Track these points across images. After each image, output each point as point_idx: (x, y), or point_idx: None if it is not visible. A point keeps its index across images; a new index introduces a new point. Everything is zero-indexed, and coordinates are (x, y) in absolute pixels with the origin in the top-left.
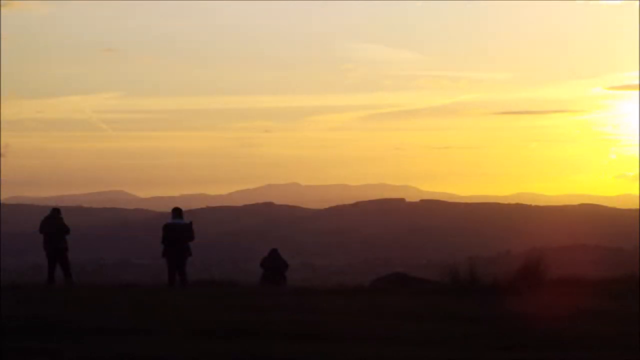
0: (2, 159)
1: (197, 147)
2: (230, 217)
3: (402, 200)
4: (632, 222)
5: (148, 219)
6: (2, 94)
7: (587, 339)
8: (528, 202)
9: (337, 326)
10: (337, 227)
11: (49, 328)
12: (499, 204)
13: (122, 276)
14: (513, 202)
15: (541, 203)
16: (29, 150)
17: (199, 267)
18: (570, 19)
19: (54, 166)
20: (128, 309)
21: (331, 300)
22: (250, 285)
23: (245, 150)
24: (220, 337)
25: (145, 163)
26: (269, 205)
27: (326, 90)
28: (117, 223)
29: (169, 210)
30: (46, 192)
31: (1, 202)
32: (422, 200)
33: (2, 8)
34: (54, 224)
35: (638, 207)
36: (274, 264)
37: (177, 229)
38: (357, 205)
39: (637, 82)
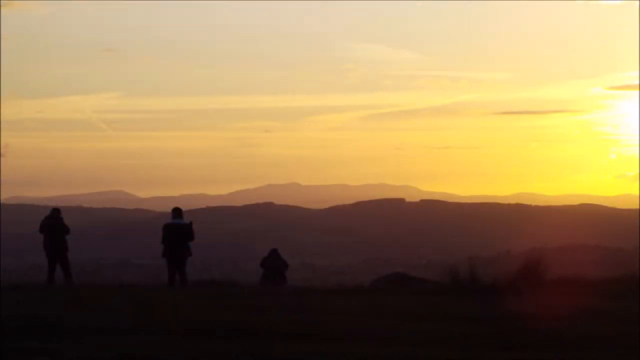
0: (2, 159)
1: (197, 147)
2: (230, 217)
3: (402, 200)
4: (632, 222)
5: (148, 219)
6: (2, 94)
7: (587, 339)
8: (528, 202)
9: (337, 326)
10: (337, 227)
11: (49, 328)
12: (499, 204)
13: (122, 276)
14: (513, 202)
15: (541, 203)
16: (29, 150)
17: (199, 267)
18: (570, 19)
19: (54, 166)
20: (128, 309)
21: (331, 300)
22: (251, 285)
23: (245, 150)
24: (220, 337)
25: (145, 163)
26: (269, 205)
27: (326, 90)
28: (117, 223)
29: (169, 210)
30: (46, 192)
31: (1, 202)
32: (422, 200)
33: (2, 8)
34: (54, 224)
35: (638, 207)
36: (274, 264)
37: (177, 229)
38: (357, 205)
39: (637, 82)
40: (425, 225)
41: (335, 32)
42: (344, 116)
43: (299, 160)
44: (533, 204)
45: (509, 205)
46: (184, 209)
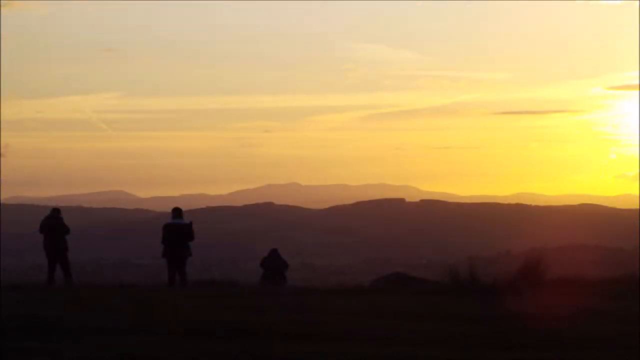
0: (2, 159)
1: (197, 147)
2: (230, 217)
3: (402, 200)
4: (632, 222)
5: (148, 219)
6: (2, 94)
7: (587, 339)
8: (528, 202)
9: (337, 326)
10: (337, 227)
11: (49, 328)
12: (499, 204)
13: (122, 276)
14: (513, 202)
15: (541, 203)
16: (29, 150)
17: (199, 267)
18: (570, 19)
19: (54, 166)
20: (128, 309)
21: (331, 300)
22: (251, 285)
23: (245, 150)
24: (220, 337)
25: (145, 163)
26: (269, 205)
27: (326, 90)
28: (117, 223)
29: (169, 210)
30: (46, 192)
31: (1, 202)
32: (422, 200)
33: (2, 8)
34: (54, 224)
35: (638, 207)
36: (274, 264)
37: (177, 229)
38: (357, 205)
39: (637, 82)
40: (425, 225)
41: (335, 32)
42: (344, 116)
43: (299, 160)
44: (533, 204)
45: (509, 205)
46: (184, 209)
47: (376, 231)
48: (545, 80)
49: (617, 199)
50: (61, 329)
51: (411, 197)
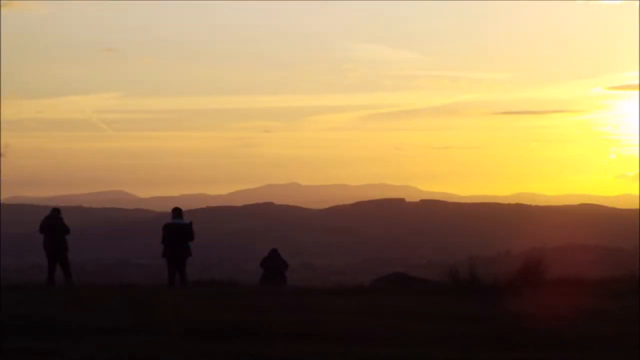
0: (2, 159)
1: (197, 147)
2: (230, 217)
3: (402, 200)
4: (632, 222)
5: (148, 219)
6: (2, 94)
7: (587, 339)
8: (528, 202)
9: (337, 326)
10: (337, 227)
11: (49, 328)
12: (499, 204)
13: (122, 276)
14: (513, 202)
15: (541, 203)
16: (29, 150)
17: (199, 267)
18: (570, 19)
19: (54, 166)
20: (128, 309)
21: (331, 300)
22: (251, 285)
23: (245, 150)
24: (220, 337)
25: (145, 163)
26: (269, 205)
27: (326, 90)
28: (117, 223)
29: (169, 210)
30: (46, 192)
31: (1, 202)
32: (422, 200)
33: (2, 8)
34: (54, 224)
35: (638, 207)
36: (274, 264)
37: (177, 229)
38: (357, 205)
39: (637, 82)
40: (425, 225)
41: (335, 32)
42: (344, 116)
43: (299, 160)
44: (533, 204)
45: (509, 205)
46: (184, 209)
47: (376, 231)
48: (545, 80)
49: (617, 199)
50: (61, 329)
51: (411, 197)
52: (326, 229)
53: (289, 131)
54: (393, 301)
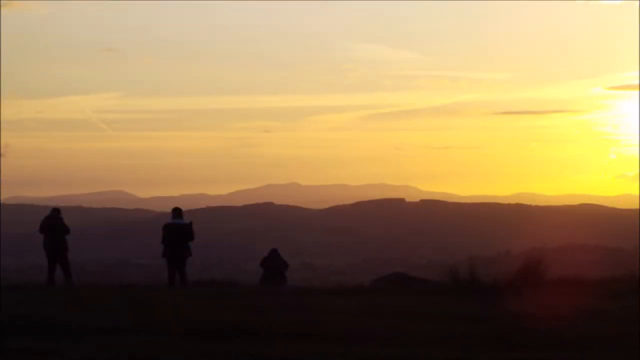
0: (2, 159)
1: (197, 147)
2: (230, 217)
3: (402, 200)
4: (632, 222)
5: (148, 219)
6: (2, 94)
7: (587, 339)
8: (528, 202)
9: (337, 326)
10: (337, 227)
11: (49, 328)
12: (499, 204)
13: (122, 276)
14: (513, 202)
15: (541, 203)
16: (29, 150)
17: (199, 267)
18: (570, 19)
19: (54, 166)
20: (128, 309)
21: (331, 300)
22: (250, 285)
23: (245, 150)
24: (220, 337)
25: (145, 163)
26: (269, 205)
27: (326, 90)
28: (117, 223)
29: (169, 210)
30: (46, 192)
31: (1, 202)
32: (422, 200)
33: (2, 8)
34: (54, 224)
35: (638, 207)
36: (274, 264)
37: (177, 229)
38: (357, 205)
39: (637, 82)
40: (425, 225)
41: (335, 32)
42: (344, 116)
43: (299, 160)
44: (533, 204)
45: (509, 205)
46: (184, 209)
47: (376, 231)
48: (545, 80)
49: (617, 199)
50: (61, 329)
51: (411, 197)
52: (326, 229)
53: (289, 131)
54: (393, 301)
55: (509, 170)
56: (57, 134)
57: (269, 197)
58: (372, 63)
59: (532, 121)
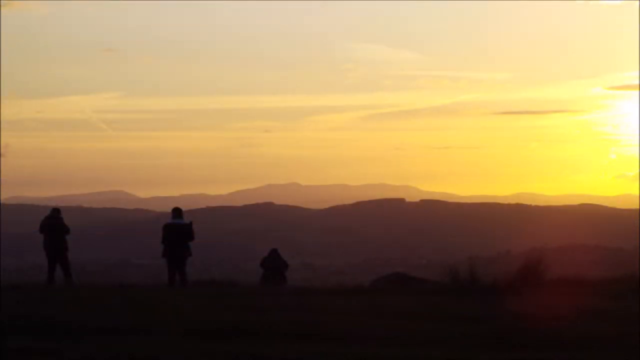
0: (2, 159)
1: (197, 147)
2: (230, 217)
3: (402, 200)
4: (632, 222)
5: (148, 219)
6: (2, 94)
7: (587, 339)
8: (528, 202)
9: (337, 326)
10: (337, 227)
11: (49, 328)
12: (499, 204)
13: (122, 276)
14: (513, 202)
15: (541, 203)
16: (29, 150)
17: (199, 267)
18: (570, 19)
19: (54, 166)
20: (128, 309)
21: (331, 300)
22: (250, 285)
23: (245, 150)
24: (220, 337)
25: (145, 163)
26: (269, 205)
27: (326, 90)
28: (117, 223)
29: (169, 210)
30: (46, 192)
31: (1, 202)
32: (422, 200)
33: (2, 8)
34: (54, 224)
35: (638, 207)
36: (274, 264)
37: (177, 229)
38: (357, 205)
39: (637, 82)
40: (425, 225)
41: (335, 32)
42: (344, 116)
43: (299, 160)
44: (533, 204)
45: (509, 205)
46: (184, 209)
47: (376, 231)
48: (545, 80)
49: (617, 199)
50: (61, 329)
51: (411, 197)
52: (326, 229)
53: (289, 131)
54: (393, 301)
55: (509, 170)
56: (57, 134)
57: (269, 197)
58: (372, 63)
59: (532, 121)
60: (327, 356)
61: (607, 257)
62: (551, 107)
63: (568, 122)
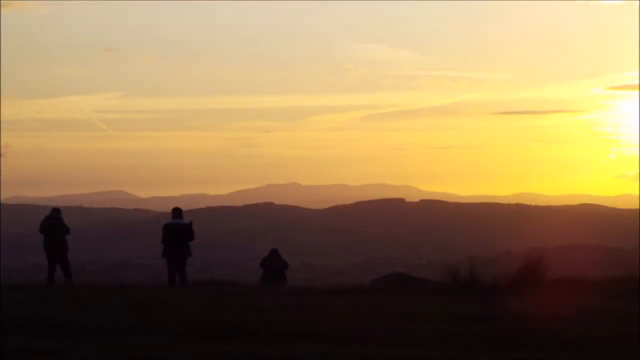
0: (2, 159)
1: (197, 147)
2: (230, 217)
3: (402, 200)
4: (632, 222)
5: (148, 219)
6: (2, 94)
7: (587, 339)
8: (528, 202)
9: (337, 326)
10: (337, 227)
11: (49, 328)
12: (499, 204)
13: (122, 276)
14: (513, 202)
15: (541, 203)
16: (29, 150)
17: (199, 267)
18: (570, 19)
19: (54, 166)
20: (128, 309)
21: (331, 300)
22: (250, 285)
23: (245, 150)
24: (220, 337)
25: (145, 163)
26: (269, 205)
27: (326, 90)
28: (117, 223)
29: (169, 210)
30: (46, 192)
31: (1, 202)
32: (422, 200)
33: (2, 8)
34: (54, 224)
35: (638, 207)
36: (274, 264)
37: (177, 229)
38: (357, 205)
39: (637, 82)
40: (425, 225)
41: (335, 32)
42: (344, 116)
43: (299, 160)
44: (533, 204)
45: (509, 205)
46: (184, 209)
47: (376, 231)
48: (545, 80)
49: (617, 199)
50: (61, 329)
51: (411, 197)
52: (326, 229)
53: (289, 131)
54: (393, 301)
55: (509, 170)
56: (57, 134)
57: (269, 197)
58: (372, 63)
59: (532, 121)
60: (327, 356)
61: (607, 257)
62: (551, 107)
63: (568, 122)
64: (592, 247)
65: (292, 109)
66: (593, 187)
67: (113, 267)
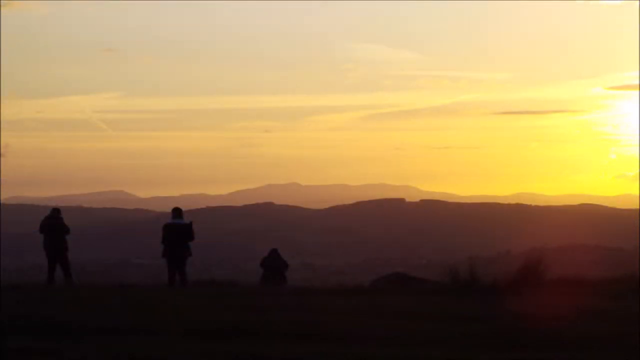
0: (2, 159)
1: (197, 147)
2: (230, 217)
3: (402, 200)
4: (632, 222)
5: (148, 219)
6: (2, 94)
7: (587, 339)
8: (528, 202)
9: (337, 326)
10: (337, 227)
11: (49, 328)
12: (499, 204)
13: (122, 276)
14: (513, 202)
15: (541, 203)
16: (29, 150)
17: (199, 267)
18: (570, 19)
19: (54, 166)
20: (128, 309)
21: (331, 300)
22: (250, 285)
23: (245, 150)
24: (220, 337)
25: (145, 163)
26: (269, 205)
27: (326, 90)
28: (117, 223)
29: (169, 210)
30: (46, 192)
31: (1, 202)
32: (422, 200)
33: (2, 8)
34: (54, 224)
35: (638, 207)
36: (274, 264)
37: (177, 229)
38: (357, 205)
39: (637, 82)
40: (425, 225)
41: (335, 32)
42: (344, 116)
43: (299, 160)
44: (533, 204)
45: (509, 205)
46: (184, 209)
47: (376, 231)
48: (545, 80)
49: (617, 199)
50: (61, 329)
51: (411, 197)
52: (326, 229)
53: (289, 131)
54: (393, 301)
55: (509, 170)
56: (57, 134)
57: (269, 197)
58: (372, 63)
59: (532, 121)
60: (327, 356)
61: (607, 257)
62: (551, 107)
63: (568, 122)
64: (592, 247)
65: (292, 109)
66: (593, 187)
67: (113, 267)
